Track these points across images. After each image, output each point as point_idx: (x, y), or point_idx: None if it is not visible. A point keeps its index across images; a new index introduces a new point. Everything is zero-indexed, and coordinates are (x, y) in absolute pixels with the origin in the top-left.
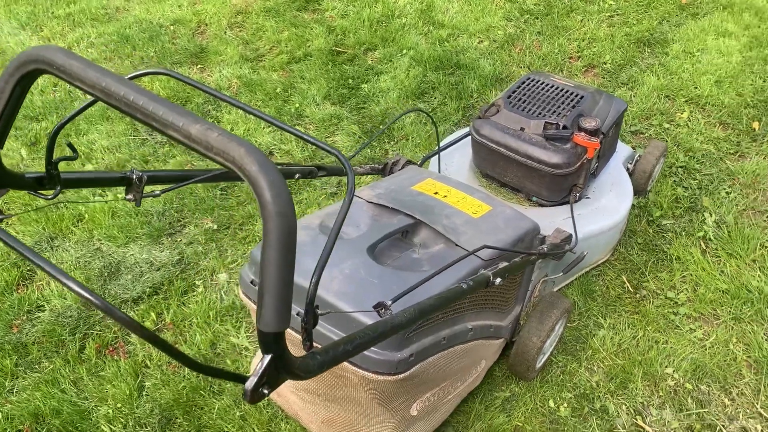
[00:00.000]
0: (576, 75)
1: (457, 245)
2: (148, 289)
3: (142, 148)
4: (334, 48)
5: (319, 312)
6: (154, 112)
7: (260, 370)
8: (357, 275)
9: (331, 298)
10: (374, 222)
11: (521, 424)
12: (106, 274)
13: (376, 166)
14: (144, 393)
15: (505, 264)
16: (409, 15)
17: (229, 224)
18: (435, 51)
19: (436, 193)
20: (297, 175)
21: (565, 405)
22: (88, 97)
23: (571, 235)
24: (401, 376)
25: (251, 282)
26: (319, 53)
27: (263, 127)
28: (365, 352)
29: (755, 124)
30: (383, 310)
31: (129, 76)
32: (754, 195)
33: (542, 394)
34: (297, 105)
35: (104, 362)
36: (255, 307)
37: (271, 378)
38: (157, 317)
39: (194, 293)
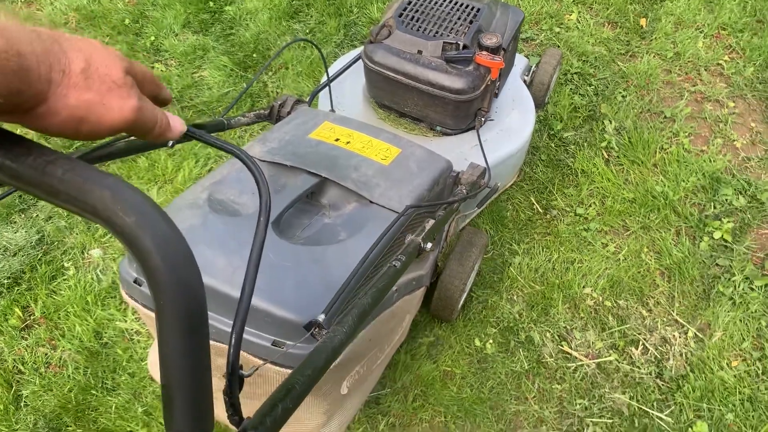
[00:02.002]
0: None
1: (372, 202)
2: (5, 281)
3: None
4: None
5: (244, 373)
6: None
7: None
8: (265, 261)
9: (238, 294)
10: (273, 186)
11: (449, 369)
12: None
13: (262, 111)
14: (23, 404)
15: (431, 222)
16: None
17: (122, 157)
18: None
19: (337, 139)
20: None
21: (491, 341)
22: None
23: (485, 169)
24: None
25: (135, 281)
26: None
27: None
28: (288, 351)
29: (642, 21)
30: (318, 330)
31: None
32: (649, 96)
33: (467, 333)
34: (152, 38)
35: None
36: (145, 311)
37: None
38: (23, 312)
39: (64, 277)
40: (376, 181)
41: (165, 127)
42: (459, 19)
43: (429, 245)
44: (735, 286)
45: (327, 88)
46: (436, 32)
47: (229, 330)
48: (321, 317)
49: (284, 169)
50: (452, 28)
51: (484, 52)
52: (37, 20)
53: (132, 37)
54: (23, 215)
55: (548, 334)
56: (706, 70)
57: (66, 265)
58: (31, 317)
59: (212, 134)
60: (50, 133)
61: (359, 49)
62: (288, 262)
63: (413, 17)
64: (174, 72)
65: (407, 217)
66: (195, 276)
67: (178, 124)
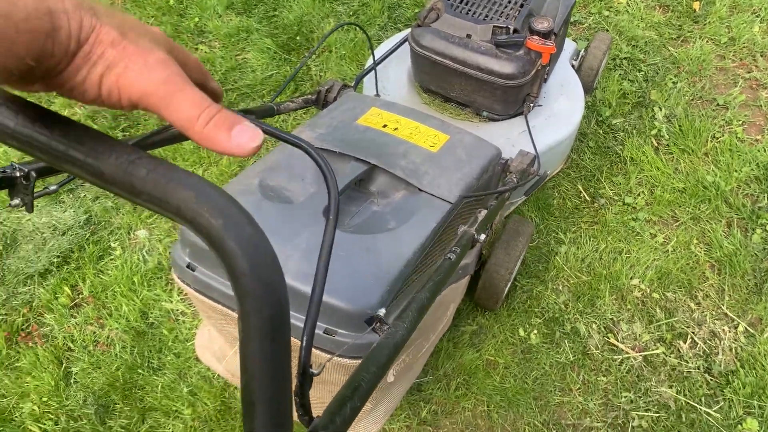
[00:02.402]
0: None
1: (420, 190)
2: (55, 259)
3: None
4: None
5: (314, 371)
6: (36, 137)
7: None
8: (316, 249)
9: (294, 283)
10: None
11: (492, 358)
12: (0, 248)
13: (309, 96)
14: (72, 381)
15: (483, 212)
16: None
17: (166, 145)
18: None
19: (385, 125)
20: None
21: (536, 332)
22: None
23: (535, 157)
24: None
25: (188, 266)
26: None
27: None
28: (338, 338)
29: (695, 5)
30: (379, 325)
31: None
32: (701, 83)
33: (511, 323)
34: (196, 19)
35: (18, 352)
36: (197, 295)
37: None
38: (72, 291)
39: (111, 257)
40: (424, 168)
41: (220, 125)
42: (509, 2)
43: (482, 236)
44: None
45: (371, 72)
46: (486, 16)
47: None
48: (381, 311)
49: (333, 155)
50: (502, 12)
51: (536, 37)
52: None
53: (176, 18)
54: (71, 195)
55: (594, 326)
56: (762, 56)
57: (113, 245)
58: (80, 296)
59: (262, 120)
60: (83, 101)
61: (404, 33)
62: (340, 251)
63: (462, 0)
64: (218, 54)
65: (457, 208)
66: (279, 280)
67: (247, 137)
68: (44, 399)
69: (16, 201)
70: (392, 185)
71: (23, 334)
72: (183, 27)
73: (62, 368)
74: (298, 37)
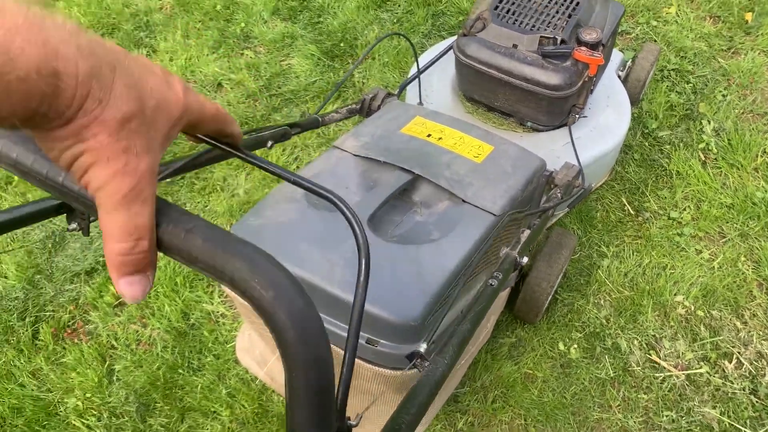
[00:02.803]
0: None
1: (464, 201)
2: (101, 258)
3: None
4: None
5: (352, 423)
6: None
7: None
8: None
9: (337, 291)
10: (366, 182)
11: (531, 371)
12: (50, 246)
13: (353, 106)
14: (115, 378)
15: (526, 232)
16: None
17: (184, 174)
18: None
19: (429, 135)
20: (269, 143)
21: (576, 346)
22: None
23: (580, 170)
24: None
25: None
26: None
27: (207, 54)
28: (380, 348)
29: (748, 16)
30: (420, 361)
31: None
32: (752, 96)
33: (550, 336)
34: (242, 25)
35: (64, 348)
36: (242, 300)
37: None
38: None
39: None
40: (468, 179)
41: (123, 265)
42: (557, 12)
43: (525, 259)
44: None
45: (415, 80)
46: (533, 26)
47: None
48: (422, 347)
49: (377, 164)
50: (550, 22)
51: (583, 48)
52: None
53: (223, 23)
54: None
55: (636, 342)
56: None
57: None
58: None
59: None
60: (45, 152)
61: (447, 41)
62: (383, 260)
63: (509, 10)
64: (263, 59)
65: (502, 221)
66: (326, 352)
67: (130, 291)
68: (88, 395)
69: (73, 225)
70: (436, 195)
71: (69, 331)
72: (229, 32)
73: (105, 365)
74: (342, 44)
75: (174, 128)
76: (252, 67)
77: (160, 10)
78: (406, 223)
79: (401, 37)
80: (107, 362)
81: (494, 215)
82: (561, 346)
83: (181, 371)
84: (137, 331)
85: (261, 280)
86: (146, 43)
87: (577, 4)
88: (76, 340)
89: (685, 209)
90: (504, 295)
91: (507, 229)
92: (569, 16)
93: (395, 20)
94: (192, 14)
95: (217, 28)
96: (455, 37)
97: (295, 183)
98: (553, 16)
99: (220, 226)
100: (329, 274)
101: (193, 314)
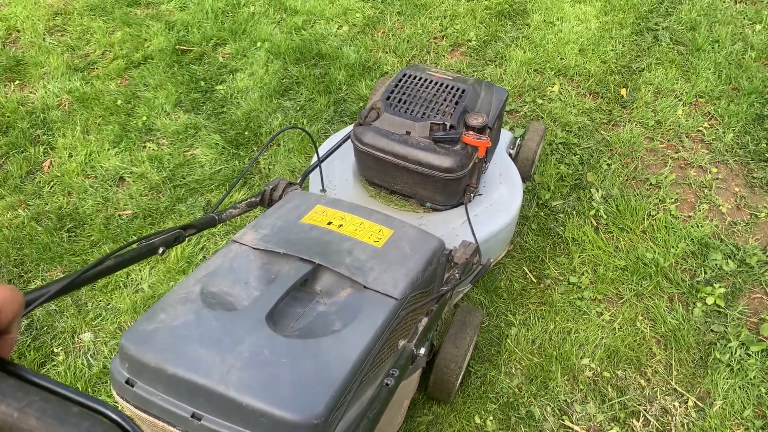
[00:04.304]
0: (443, 56)
1: (366, 287)
2: None
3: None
4: (177, 47)
5: None
6: None
7: None
8: (259, 357)
9: (233, 394)
10: (266, 275)
11: None
12: None
13: (253, 200)
14: None
15: (424, 321)
16: (257, 2)
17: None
18: (293, 41)
19: (329, 223)
20: (161, 249)
21: (491, 418)
22: None
23: (477, 247)
24: None
25: (126, 382)
26: (161, 54)
27: (107, 149)
28: None
29: (623, 91)
30: None
31: None
32: (634, 164)
33: (466, 410)
34: (144, 118)
35: None
36: (137, 412)
37: None
38: None
39: (54, 363)
40: (369, 265)
41: None
42: (445, 100)
43: (422, 350)
44: (732, 353)
45: (317, 168)
46: (424, 113)
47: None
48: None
49: (277, 256)
50: (439, 110)
51: (471, 132)
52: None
53: (124, 117)
54: None
55: (548, 408)
56: (687, 137)
57: (56, 350)
58: None
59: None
60: None
61: (347, 129)
62: (283, 357)
63: (401, 99)
64: (166, 151)
65: (405, 303)
66: None
67: None
68: None
69: None
70: (338, 283)
71: None
72: (131, 126)
73: None
74: (246, 132)
75: None
76: (155, 159)
77: (58, 107)
78: (308, 315)
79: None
80: None
81: (396, 299)
82: (477, 420)
83: None
84: None
85: None
86: (43, 140)
87: (463, 91)
88: None
89: (583, 274)
90: (416, 377)
91: (405, 320)
92: (456, 103)
93: (298, 108)
94: (92, 110)
95: (118, 122)
96: (353, 125)
97: (69, 399)
98: (442, 104)
99: (64, 390)
100: (225, 377)
101: None
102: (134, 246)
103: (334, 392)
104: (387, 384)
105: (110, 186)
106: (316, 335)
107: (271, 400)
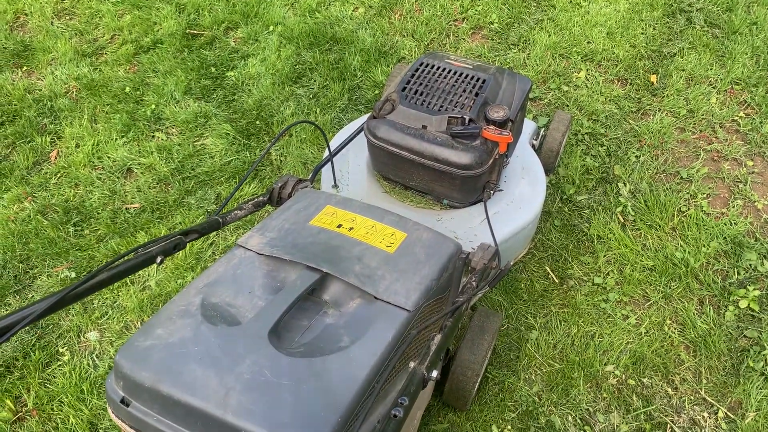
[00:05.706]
0: (464, 39)
1: (376, 298)
2: None
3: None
4: (187, 31)
5: None
6: None
7: None
8: (260, 378)
9: (232, 419)
10: (272, 283)
11: None
12: None
13: (260, 198)
14: None
15: (436, 338)
16: None
17: (90, 268)
18: (306, 24)
19: (339, 226)
20: (159, 258)
21: (509, 428)
22: None
23: (497, 251)
24: None
25: (121, 401)
26: (171, 38)
27: (115, 139)
28: None
29: (653, 78)
30: None
31: None
32: (664, 156)
33: (483, 419)
34: (153, 106)
35: None
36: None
37: None
38: (14, 403)
39: (59, 363)
40: (381, 272)
41: None
42: (464, 91)
43: (435, 374)
44: (766, 360)
45: (329, 162)
46: (441, 106)
47: None
48: None
49: (284, 262)
50: (457, 102)
51: (491, 126)
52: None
53: (132, 106)
54: (18, 297)
55: (570, 418)
56: (721, 127)
57: (61, 350)
58: (24, 408)
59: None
60: None
61: (361, 119)
62: (286, 379)
63: (417, 91)
64: (175, 141)
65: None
66: None
67: None
68: None
69: None
70: (347, 293)
71: None
72: (139, 114)
73: None
74: (257, 122)
75: None
76: (163, 149)
77: (66, 94)
78: (314, 329)
79: (316, 111)
80: None
81: (408, 311)
82: (495, 429)
83: None
84: None
85: None
86: (50, 129)
87: (484, 81)
88: None
89: (608, 274)
90: (429, 389)
91: (416, 339)
92: (476, 94)
93: (311, 95)
94: (100, 97)
95: (126, 111)
96: (367, 116)
97: None
98: (461, 96)
99: None
100: (224, 401)
101: (101, 424)
102: (130, 256)
103: (339, 417)
104: (395, 416)
105: (117, 178)
106: (322, 352)
107: (271, 426)
